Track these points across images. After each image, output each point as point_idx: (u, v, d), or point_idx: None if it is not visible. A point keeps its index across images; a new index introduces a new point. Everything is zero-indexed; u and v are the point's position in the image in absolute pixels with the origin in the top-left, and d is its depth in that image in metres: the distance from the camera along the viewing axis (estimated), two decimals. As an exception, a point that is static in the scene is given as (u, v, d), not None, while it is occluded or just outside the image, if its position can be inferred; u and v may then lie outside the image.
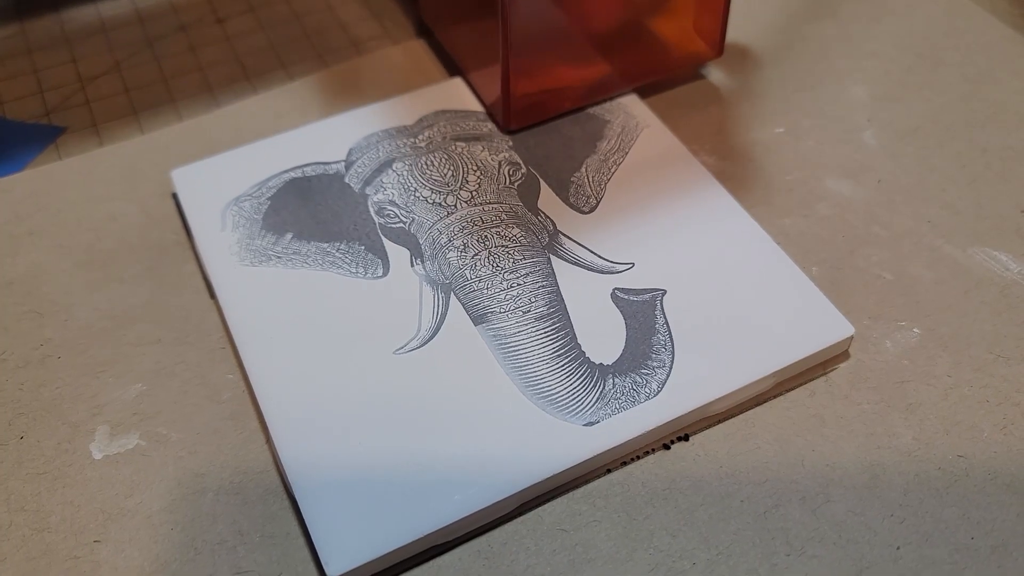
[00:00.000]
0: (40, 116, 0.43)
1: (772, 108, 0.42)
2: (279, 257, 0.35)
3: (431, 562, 0.29)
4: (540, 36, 0.37)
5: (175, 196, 0.39)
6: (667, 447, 0.31)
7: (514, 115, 0.39)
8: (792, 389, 0.32)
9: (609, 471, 0.31)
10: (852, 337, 0.33)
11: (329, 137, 0.40)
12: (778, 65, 0.44)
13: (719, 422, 0.32)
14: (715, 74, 0.43)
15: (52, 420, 0.33)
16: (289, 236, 0.36)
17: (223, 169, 0.38)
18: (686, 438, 0.31)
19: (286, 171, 0.38)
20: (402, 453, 0.30)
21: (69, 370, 0.34)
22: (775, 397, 0.32)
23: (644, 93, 0.42)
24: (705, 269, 0.34)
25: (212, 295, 0.36)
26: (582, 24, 0.38)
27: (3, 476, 0.31)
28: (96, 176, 0.40)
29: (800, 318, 0.33)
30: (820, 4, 0.47)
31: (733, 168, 0.39)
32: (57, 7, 0.47)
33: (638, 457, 0.31)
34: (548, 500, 0.30)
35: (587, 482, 0.30)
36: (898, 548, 0.29)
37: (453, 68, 0.44)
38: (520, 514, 0.30)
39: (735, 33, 0.45)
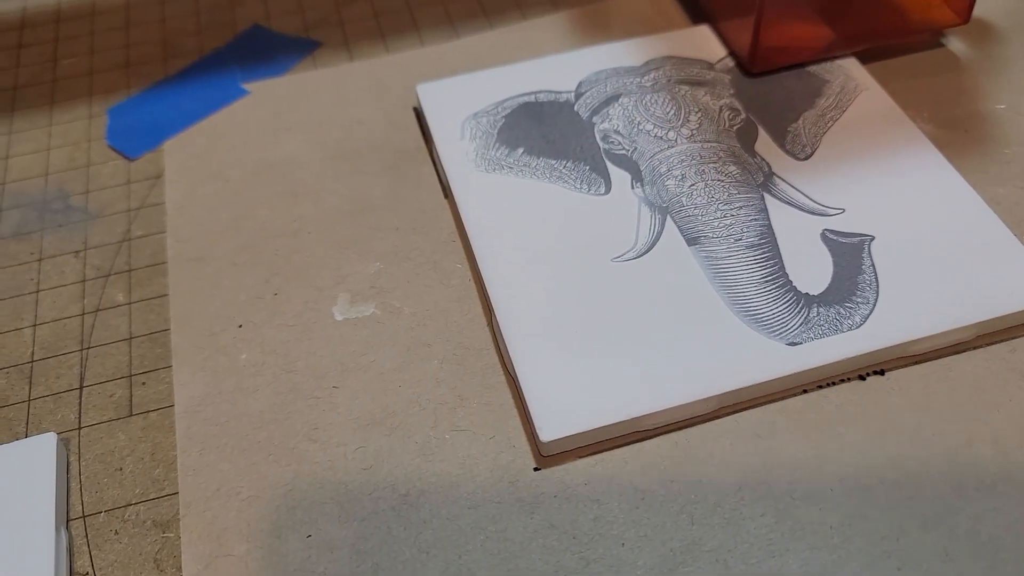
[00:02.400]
0: (300, 31, 0.48)
1: (997, 84, 0.42)
2: (511, 167, 0.39)
3: (632, 446, 0.31)
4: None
5: (416, 109, 0.43)
6: (862, 378, 0.33)
7: (759, 60, 0.41)
8: (993, 344, 0.33)
9: (805, 391, 0.32)
10: (1061, 301, 0.33)
11: (561, 70, 0.43)
12: (1011, 44, 0.44)
13: (916, 363, 0.33)
14: (954, 43, 0.44)
15: (301, 283, 0.37)
16: (520, 150, 0.39)
17: (464, 87, 0.42)
18: (882, 372, 0.33)
19: (520, 95, 0.42)
20: (614, 345, 0.33)
21: (318, 243, 0.38)
22: (975, 348, 0.33)
23: (869, 57, 0.43)
24: (915, 221, 0.36)
25: (446, 195, 0.39)
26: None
27: (259, 323, 0.36)
28: (346, 85, 0.45)
29: (1008, 276, 0.34)
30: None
31: (950, 136, 0.40)
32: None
33: (833, 383, 0.33)
34: (745, 409, 0.32)
35: (783, 398, 0.32)
36: (1089, 500, 0.29)
37: (696, 17, 0.46)
38: (717, 417, 0.32)
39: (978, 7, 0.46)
